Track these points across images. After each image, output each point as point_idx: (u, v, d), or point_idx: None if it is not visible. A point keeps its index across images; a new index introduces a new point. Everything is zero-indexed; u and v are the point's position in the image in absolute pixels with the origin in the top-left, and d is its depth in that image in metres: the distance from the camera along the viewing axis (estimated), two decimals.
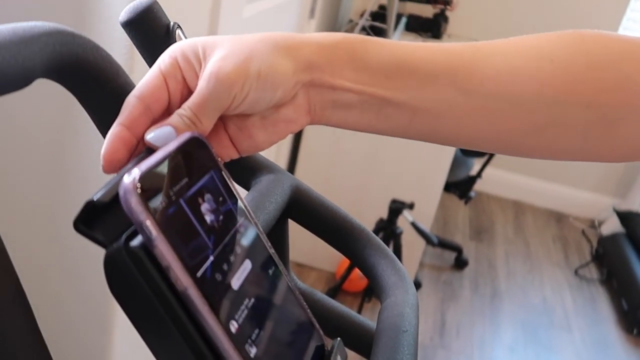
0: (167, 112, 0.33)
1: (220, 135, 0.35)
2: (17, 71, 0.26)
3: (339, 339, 0.34)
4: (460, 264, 2.73)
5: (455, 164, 2.36)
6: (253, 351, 0.27)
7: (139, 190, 0.24)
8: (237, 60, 0.32)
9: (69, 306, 1.14)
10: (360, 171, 2.28)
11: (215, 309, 0.25)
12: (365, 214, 2.29)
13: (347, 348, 0.50)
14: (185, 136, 0.29)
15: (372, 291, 2.18)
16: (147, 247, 0.24)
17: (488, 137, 0.38)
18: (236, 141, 0.36)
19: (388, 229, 1.99)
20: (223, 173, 0.31)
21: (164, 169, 0.27)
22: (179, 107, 0.32)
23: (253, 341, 0.27)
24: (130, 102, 0.32)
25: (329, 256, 2.40)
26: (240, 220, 0.30)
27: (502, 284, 2.67)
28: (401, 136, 0.38)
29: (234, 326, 0.26)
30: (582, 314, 2.56)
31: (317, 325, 0.34)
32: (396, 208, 1.95)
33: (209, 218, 0.28)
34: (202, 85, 0.32)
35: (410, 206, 1.95)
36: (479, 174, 2.48)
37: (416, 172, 2.23)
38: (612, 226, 3.13)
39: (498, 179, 3.49)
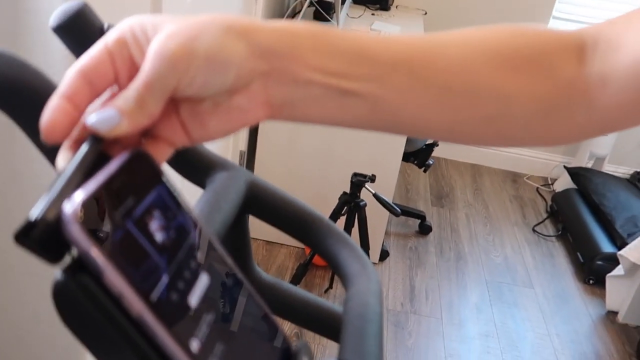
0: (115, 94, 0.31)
1: (172, 121, 0.33)
2: None
3: (304, 341, 0.34)
4: (424, 230, 2.77)
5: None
6: None
7: (80, 219, 0.22)
8: (182, 39, 0.30)
9: (35, 308, 1.11)
10: (321, 149, 2.27)
11: (173, 330, 0.24)
12: (329, 190, 2.29)
13: (316, 333, 0.50)
14: (126, 155, 0.27)
15: None
16: (96, 276, 0.23)
17: (443, 127, 0.38)
18: (188, 128, 0.34)
19: (352, 203, 1.99)
20: (169, 187, 0.29)
21: (107, 190, 0.25)
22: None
23: (217, 356, 0.26)
24: (70, 74, 0.30)
25: None
26: (193, 233, 0.29)
27: (466, 246, 2.73)
28: (362, 127, 0.38)
29: (195, 345, 0.25)
30: (542, 269, 2.64)
31: (281, 328, 0.33)
32: (358, 182, 1.95)
33: (159, 236, 0.26)
34: (146, 64, 0.30)
35: (372, 179, 1.96)
36: (435, 142, 2.50)
37: (375, 146, 2.23)
38: (564, 183, 3.22)
39: (454, 144, 3.54)
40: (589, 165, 3.27)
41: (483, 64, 0.37)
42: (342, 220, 2.07)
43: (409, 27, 2.70)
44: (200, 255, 0.29)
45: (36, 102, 0.33)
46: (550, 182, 3.45)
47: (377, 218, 2.32)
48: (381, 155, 2.24)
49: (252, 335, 0.30)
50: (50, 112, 0.29)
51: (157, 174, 0.29)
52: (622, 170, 3.43)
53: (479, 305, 2.33)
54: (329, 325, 0.47)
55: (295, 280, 2.07)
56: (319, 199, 2.33)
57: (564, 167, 3.20)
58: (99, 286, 0.23)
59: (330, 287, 2.26)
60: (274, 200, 0.49)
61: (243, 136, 2.29)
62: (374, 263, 2.45)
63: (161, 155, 0.33)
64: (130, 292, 0.23)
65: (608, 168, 3.34)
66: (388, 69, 0.35)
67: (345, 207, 2.01)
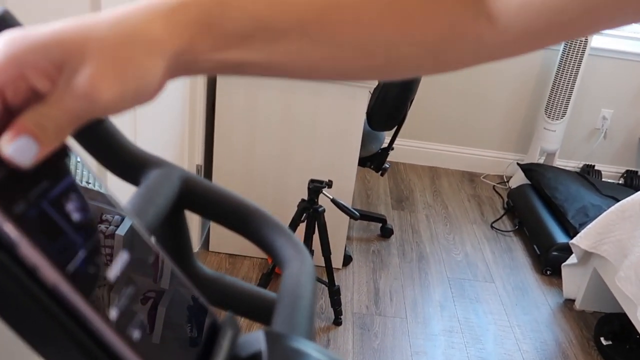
0: None
1: None
2: None
3: (229, 314, 0.36)
4: (385, 233, 2.80)
5: (367, 140, 2.42)
6: (136, 334, 0.28)
7: None
8: (115, 81, 0.29)
9: None
10: (277, 156, 2.29)
11: (90, 299, 0.26)
12: (288, 197, 2.31)
13: (256, 321, 0.52)
14: None
15: None
16: (12, 249, 0.25)
17: (334, 76, 0.42)
18: None
19: (310, 209, 2.02)
20: (88, 171, 0.31)
21: (23, 171, 0.27)
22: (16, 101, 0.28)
23: (136, 325, 0.28)
24: None
25: None
26: (113, 215, 0.31)
27: (427, 246, 2.78)
28: (256, 76, 0.40)
29: (114, 313, 0.27)
30: (501, 263, 2.70)
31: (206, 305, 0.35)
32: (315, 188, 1.98)
33: (76, 216, 0.28)
34: (72, 103, 0.28)
35: (329, 184, 1.99)
36: (390, 146, 2.55)
37: (330, 152, 2.27)
38: (519, 179, 3.32)
39: (412, 148, 3.60)
40: (541, 161, 3.38)
41: (374, 18, 0.39)
42: (302, 227, 2.09)
43: None
44: (120, 235, 0.31)
45: None
46: (505, 180, 3.54)
47: (337, 223, 2.34)
48: (337, 161, 2.28)
49: (174, 308, 0.32)
50: None
51: (74, 159, 0.30)
52: (572, 164, 3.55)
53: (442, 302, 2.38)
54: (264, 310, 0.49)
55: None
56: (278, 206, 2.34)
57: (517, 164, 3.30)
58: (13, 259, 0.25)
59: None
60: (209, 194, 0.51)
61: (199, 149, 2.29)
62: (337, 269, 2.48)
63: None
64: (45, 264, 0.25)
65: (559, 163, 3.46)
66: (279, 36, 0.37)
67: (305, 214, 2.03)
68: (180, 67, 0.34)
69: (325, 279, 2.14)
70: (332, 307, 2.16)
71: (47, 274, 0.25)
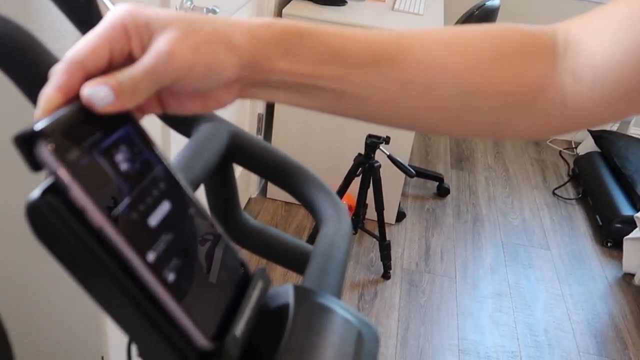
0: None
1: (151, 97, 0.36)
2: None
3: (262, 266, 0.38)
4: (442, 192, 2.79)
5: None
6: (172, 277, 0.30)
7: (49, 142, 0.27)
8: (190, 49, 0.33)
9: (62, 304, 1.18)
10: (335, 118, 2.29)
11: (131, 241, 0.29)
12: (345, 151, 2.32)
13: (293, 271, 0.54)
14: None
15: (357, 224, 2.24)
16: (64, 193, 0.28)
17: (407, 118, 0.40)
18: (165, 104, 0.37)
19: (366, 164, 2.03)
20: (140, 127, 0.33)
21: (79, 122, 0.29)
22: (116, 70, 0.32)
23: (172, 269, 0.31)
24: (70, 65, 0.31)
25: None
26: (158, 167, 0.33)
27: (483, 208, 2.74)
28: (326, 112, 0.41)
29: (151, 256, 0.30)
30: (560, 231, 2.64)
31: (240, 256, 0.38)
32: (372, 143, 1.98)
33: (124, 166, 0.31)
34: (149, 60, 0.32)
35: (386, 140, 1.98)
36: None
37: None
38: (588, 146, 3.19)
39: None
40: (614, 129, 3.23)
41: (450, 61, 0.38)
42: (357, 181, 2.11)
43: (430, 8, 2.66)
44: (163, 186, 0.33)
45: (31, 62, 0.37)
46: (574, 146, 3.41)
47: (393, 179, 2.35)
48: None
49: (210, 257, 0.35)
50: (45, 104, 0.31)
51: (127, 116, 0.33)
52: None
53: (493, 266, 2.36)
54: (304, 264, 0.52)
55: (312, 238, 2.13)
56: (334, 159, 2.37)
57: (588, 130, 3.16)
58: (64, 203, 0.27)
59: None
60: (255, 150, 0.53)
61: None
62: (390, 224, 2.50)
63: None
64: (92, 207, 0.28)
65: (633, 131, 3.29)
66: (355, 68, 0.37)
67: (360, 168, 2.04)
68: (252, 78, 0.36)
69: (376, 233, 2.17)
70: (381, 261, 2.20)
71: (94, 216, 0.28)
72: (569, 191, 2.98)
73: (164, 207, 0.32)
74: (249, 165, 0.54)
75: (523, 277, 2.32)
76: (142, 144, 0.33)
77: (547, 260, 2.44)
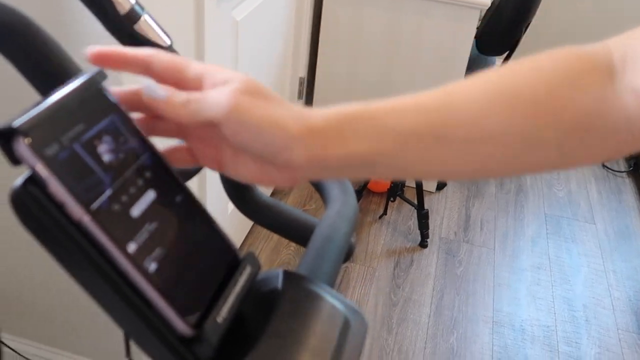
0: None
1: (209, 143, 0.38)
2: None
3: (251, 251, 0.39)
4: None
5: (474, 64, 2.30)
6: (153, 266, 0.31)
7: (26, 139, 0.27)
8: (248, 105, 0.34)
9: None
10: (379, 78, 2.26)
11: (110, 234, 0.30)
12: None
13: (300, 245, 0.55)
14: (85, 86, 0.32)
15: (396, 191, 2.23)
16: (42, 186, 0.28)
17: (468, 171, 0.40)
18: (222, 159, 0.38)
19: None
20: (125, 116, 0.34)
21: (59, 115, 0.30)
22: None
23: (154, 258, 0.31)
24: (162, 56, 0.35)
25: None
26: (145, 156, 0.34)
27: (528, 179, 2.68)
28: (383, 179, 0.41)
29: (132, 247, 0.30)
30: (607, 205, 2.56)
31: (230, 242, 0.38)
32: None
33: (107, 157, 0.31)
34: (214, 94, 0.34)
35: None
36: None
37: (432, 75, 2.20)
38: None
39: None
40: None
41: (502, 110, 0.37)
42: None
43: None
44: (149, 175, 0.34)
45: (29, 44, 0.38)
46: None
47: None
48: (440, 84, 2.20)
49: (196, 245, 0.35)
50: (115, 53, 0.34)
51: (112, 105, 0.33)
52: None
53: (534, 238, 2.32)
54: (306, 235, 0.52)
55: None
56: None
57: None
58: (45, 195, 0.28)
59: (385, 213, 2.31)
60: None
61: (303, 62, 2.31)
62: (430, 192, 2.47)
63: (179, 159, 0.38)
64: (71, 201, 0.28)
65: None
66: (410, 139, 0.37)
67: None
68: (312, 164, 0.36)
69: (415, 201, 2.15)
70: (419, 229, 2.19)
71: (72, 209, 0.29)
72: (620, 163, 2.86)
73: (149, 196, 0.33)
74: None
75: (564, 251, 2.27)
76: (128, 133, 0.34)
77: (592, 234, 2.37)
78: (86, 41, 0.93)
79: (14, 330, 1.47)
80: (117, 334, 1.35)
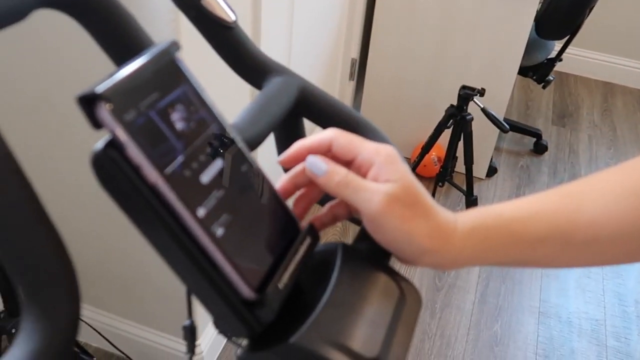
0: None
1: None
2: (9, 3, 0.31)
3: (310, 223, 0.40)
4: (539, 149, 2.66)
5: (532, 48, 2.24)
6: (220, 231, 0.32)
7: (108, 104, 0.29)
8: (399, 218, 0.36)
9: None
10: (432, 60, 2.22)
11: (182, 198, 0.31)
12: (437, 102, 2.27)
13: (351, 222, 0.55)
14: (160, 56, 0.33)
15: (445, 177, 2.21)
16: (121, 150, 0.30)
17: (594, 264, 0.42)
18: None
19: (458, 116, 1.97)
20: (196, 87, 0.35)
21: (136, 83, 0.31)
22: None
23: (221, 223, 0.33)
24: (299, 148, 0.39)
25: (404, 143, 2.43)
26: (214, 126, 0.35)
27: (583, 169, 2.60)
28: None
29: (201, 211, 0.32)
30: None
31: (291, 212, 0.39)
32: (465, 94, 1.91)
33: (179, 125, 0.33)
34: (369, 194, 0.36)
35: (481, 92, 1.90)
36: (558, 57, 2.34)
37: (487, 59, 2.15)
38: None
39: (586, 59, 3.27)
40: None
41: (627, 208, 0.38)
42: (447, 132, 2.06)
43: None
44: (217, 144, 0.35)
45: (109, 18, 0.39)
46: None
47: (486, 133, 2.27)
48: (495, 68, 2.15)
49: (260, 214, 0.36)
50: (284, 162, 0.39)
51: (185, 77, 0.34)
52: None
53: None
54: None
55: None
56: (426, 109, 2.32)
57: None
58: (123, 157, 0.30)
59: (432, 196, 2.28)
60: (323, 104, 0.53)
61: (355, 43, 2.29)
62: (480, 178, 2.43)
63: (322, 221, 0.42)
64: (147, 164, 0.30)
65: None
66: (538, 245, 0.39)
67: (451, 120, 1.99)
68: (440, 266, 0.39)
69: (464, 187, 2.12)
70: None
71: (148, 173, 0.30)
72: None
73: (217, 164, 0.34)
74: (315, 119, 0.54)
75: None
76: (198, 102, 0.35)
77: None
78: (157, 15, 0.95)
79: (86, 299, 1.54)
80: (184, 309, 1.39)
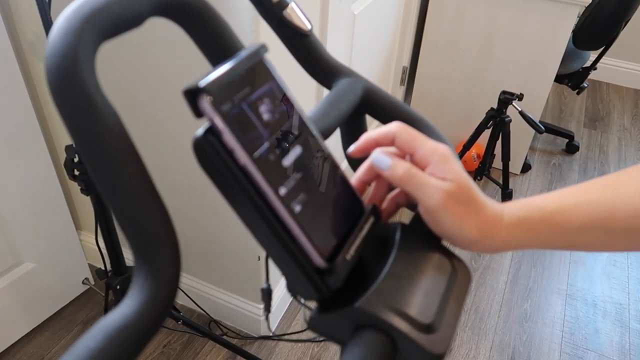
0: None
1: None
2: (130, 11, 0.32)
3: (374, 204, 0.39)
4: (571, 149, 2.54)
5: (568, 58, 2.13)
6: (297, 208, 0.33)
7: (208, 96, 0.29)
8: (452, 214, 0.35)
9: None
10: (476, 68, 2.16)
11: (267, 178, 0.31)
12: (479, 105, 2.20)
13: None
14: (251, 57, 0.33)
15: (483, 171, 2.14)
16: (218, 136, 0.30)
17: (627, 250, 0.39)
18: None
19: (497, 117, 1.90)
20: (280, 84, 0.35)
21: (231, 79, 0.32)
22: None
23: (299, 201, 0.33)
24: (368, 140, 0.38)
25: (449, 140, 2.38)
26: (294, 118, 0.35)
27: (611, 168, 2.46)
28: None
29: (282, 190, 0.32)
30: None
31: (358, 195, 0.39)
32: (505, 99, 1.84)
33: (266, 116, 0.33)
34: (430, 188, 0.35)
35: (519, 97, 1.84)
36: (592, 66, 2.22)
37: (526, 67, 2.06)
38: None
39: (620, 69, 3.09)
40: None
41: None
42: (487, 132, 2.00)
43: None
44: (297, 133, 0.35)
45: (207, 24, 0.40)
46: None
47: (522, 133, 2.19)
48: (533, 76, 2.07)
49: (331, 194, 0.36)
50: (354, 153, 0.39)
51: (271, 76, 0.35)
52: None
53: None
54: None
55: None
56: (468, 112, 2.25)
57: None
58: (219, 142, 0.30)
59: None
60: (384, 103, 0.53)
61: (407, 52, 2.25)
62: (515, 174, 2.35)
63: (387, 212, 0.41)
64: (239, 149, 0.30)
65: None
66: (578, 234, 0.37)
67: (491, 122, 1.93)
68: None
69: (500, 181, 2.06)
70: None
71: (240, 156, 0.30)
72: None
73: (296, 151, 0.34)
74: (378, 116, 0.54)
75: None
76: (282, 98, 0.35)
77: None
78: (244, 22, 0.96)
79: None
80: (260, 277, 1.42)
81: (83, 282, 1.65)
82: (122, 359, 0.27)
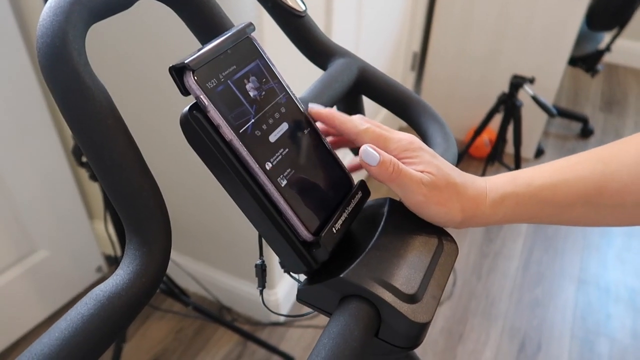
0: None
1: None
2: None
3: (362, 180, 0.40)
4: (585, 133, 2.51)
5: (582, 39, 2.10)
6: (284, 183, 0.33)
7: (194, 74, 0.30)
8: (436, 204, 0.36)
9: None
10: (487, 52, 2.14)
11: (253, 153, 0.32)
12: (490, 89, 2.18)
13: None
14: (237, 35, 0.34)
15: (495, 156, 2.13)
16: (204, 112, 0.31)
17: (616, 225, 0.40)
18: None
19: (509, 102, 1.89)
20: (268, 62, 0.36)
21: (217, 57, 0.33)
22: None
23: (285, 176, 0.34)
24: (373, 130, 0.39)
25: (460, 126, 2.37)
26: (282, 95, 0.36)
27: None
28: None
29: (268, 165, 0.33)
30: None
31: (346, 170, 0.39)
32: (516, 82, 1.82)
33: (252, 93, 0.34)
34: (411, 182, 0.36)
35: (531, 80, 1.82)
36: (607, 48, 2.18)
37: (539, 49, 2.03)
38: None
39: (636, 50, 3.03)
40: None
41: None
42: (499, 116, 1.98)
43: None
44: (284, 110, 0.36)
45: (196, 2, 0.41)
46: None
47: (535, 117, 2.17)
48: (546, 58, 2.04)
49: (319, 170, 0.37)
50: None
51: (258, 52, 0.35)
52: None
53: None
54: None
55: None
56: (479, 96, 2.23)
57: None
58: (205, 118, 0.31)
59: (483, 176, 2.22)
60: (380, 83, 0.53)
61: (417, 38, 2.24)
62: (528, 159, 2.33)
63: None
64: (224, 124, 0.31)
65: None
66: (566, 209, 0.37)
67: (502, 106, 1.91)
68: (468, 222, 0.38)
69: (512, 166, 2.04)
70: None
71: (225, 131, 0.31)
72: None
73: (283, 127, 0.35)
74: (374, 97, 0.54)
75: None
76: (269, 75, 0.36)
77: None
78: (244, 13, 0.97)
79: (178, 247, 1.63)
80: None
81: (96, 270, 1.68)
82: (112, 325, 0.28)
